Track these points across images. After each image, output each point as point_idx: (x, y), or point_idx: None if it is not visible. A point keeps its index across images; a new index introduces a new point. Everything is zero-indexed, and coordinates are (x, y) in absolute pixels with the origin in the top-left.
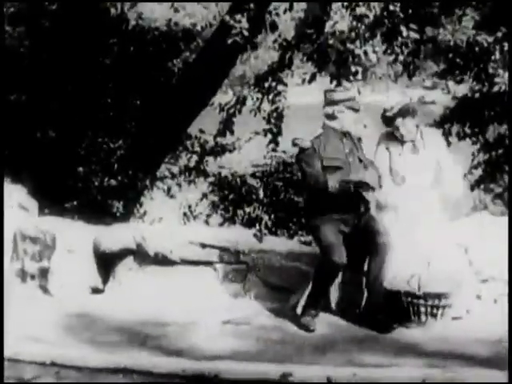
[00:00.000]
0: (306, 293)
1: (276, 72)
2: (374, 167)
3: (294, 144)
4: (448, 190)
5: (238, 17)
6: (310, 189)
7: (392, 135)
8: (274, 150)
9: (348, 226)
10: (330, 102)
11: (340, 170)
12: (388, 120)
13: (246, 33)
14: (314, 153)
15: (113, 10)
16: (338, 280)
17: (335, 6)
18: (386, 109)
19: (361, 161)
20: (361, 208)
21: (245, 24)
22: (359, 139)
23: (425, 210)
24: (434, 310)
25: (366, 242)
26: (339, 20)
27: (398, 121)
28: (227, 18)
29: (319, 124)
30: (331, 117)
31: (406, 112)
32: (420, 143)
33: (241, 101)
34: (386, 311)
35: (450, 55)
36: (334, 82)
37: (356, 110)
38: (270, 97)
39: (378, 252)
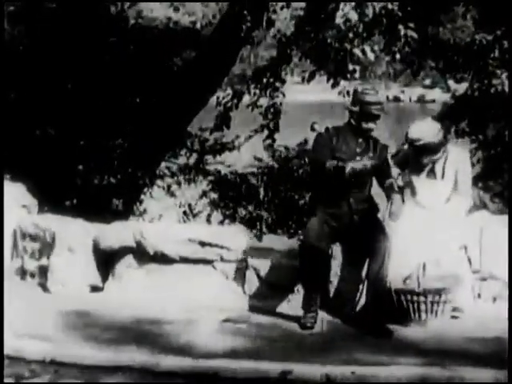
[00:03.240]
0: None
1: (274, 67)
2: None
3: (312, 127)
4: (456, 207)
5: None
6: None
7: None
8: (270, 145)
9: (339, 221)
10: (354, 102)
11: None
12: (416, 149)
13: (249, 24)
14: (327, 139)
15: (112, 9)
16: (336, 279)
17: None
18: (412, 139)
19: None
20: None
21: (247, 16)
22: (385, 147)
23: (426, 210)
24: (434, 307)
25: (366, 241)
26: (338, 19)
27: (427, 158)
28: (230, 10)
29: (320, 121)
30: (351, 116)
31: (434, 149)
32: (440, 167)
33: (238, 95)
34: (386, 314)
35: (450, 53)
36: (332, 80)
37: (375, 117)
38: (268, 92)
39: (378, 251)
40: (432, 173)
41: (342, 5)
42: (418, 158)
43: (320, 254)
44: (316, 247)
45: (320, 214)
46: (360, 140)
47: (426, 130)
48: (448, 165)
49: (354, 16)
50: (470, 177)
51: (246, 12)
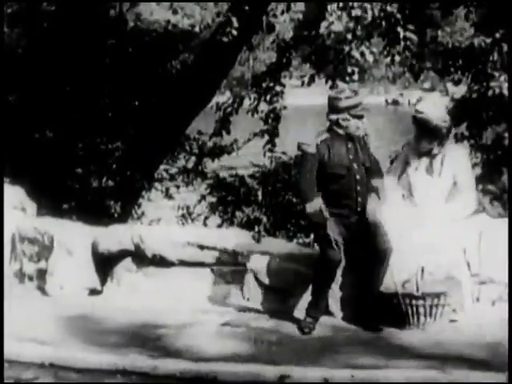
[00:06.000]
0: (305, 295)
1: (274, 72)
2: (379, 172)
3: (300, 148)
4: (459, 208)
5: (229, 15)
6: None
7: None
8: (270, 150)
9: (349, 228)
10: (334, 110)
11: (340, 181)
12: (420, 124)
13: (234, 32)
14: (317, 158)
15: (111, 11)
16: (338, 282)
17: (331, 7)
18: (417, 110)
19: (364, 166)
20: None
21: (235, 23)
22: (364, 136)
23: (425, 213)
24: (433, 310)
25: (368, 245)
26: (335, 21)
27: (428, 143)
28: (219, 17)
29: (318, 125)
30: (335, 123)
31: (436, 133)
32: (438, 164)
33: (238, 100)
34: (378, 311)
35: (448, 56)
36: (330, 83)
37: (360, 117)
38: (268, 97)
39: (379, 256)
40: (430, 168)
41: (327, 14)
42: (418, 139)
43: (337, 261)
44: (332, 259)
45: (331, 220)
46: (350, 145)
47: (431, 107)
48: (446, 164)
49: (338, 27)
50: (472, 177)
51: (234, 19)
